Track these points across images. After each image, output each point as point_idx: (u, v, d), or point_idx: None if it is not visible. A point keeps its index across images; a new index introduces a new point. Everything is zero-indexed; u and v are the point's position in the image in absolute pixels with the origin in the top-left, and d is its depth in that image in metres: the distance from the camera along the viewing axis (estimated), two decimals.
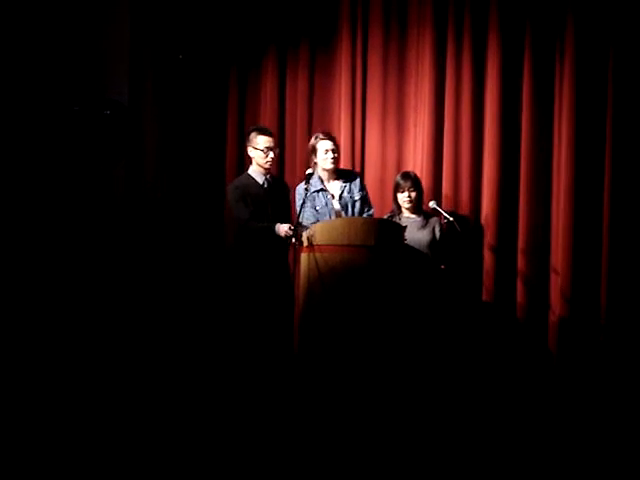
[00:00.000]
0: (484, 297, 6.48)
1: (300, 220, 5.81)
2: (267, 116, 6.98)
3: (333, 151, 6.08)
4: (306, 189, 5.89)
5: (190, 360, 6.26)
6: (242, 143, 6.81)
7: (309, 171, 6.00)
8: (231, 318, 6.30)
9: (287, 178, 6.79)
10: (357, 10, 6.79)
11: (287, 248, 5.96)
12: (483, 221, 6.54)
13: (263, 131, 6.16)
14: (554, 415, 5.49)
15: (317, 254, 5.52)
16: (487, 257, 6.50)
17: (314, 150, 6.10)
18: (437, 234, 6.10)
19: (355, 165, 6.79)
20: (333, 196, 6.10)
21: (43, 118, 6.17)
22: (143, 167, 6.62)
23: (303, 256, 5.61)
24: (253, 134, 6.14)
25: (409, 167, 6.63)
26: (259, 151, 6.10)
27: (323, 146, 6.07)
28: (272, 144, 6.13)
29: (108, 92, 6.43)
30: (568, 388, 6.12)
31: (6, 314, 6.06)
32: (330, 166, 6.09)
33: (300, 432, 4.93)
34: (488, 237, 6.50)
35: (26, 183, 6.12)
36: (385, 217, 6.17)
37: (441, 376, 5.85)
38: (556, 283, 6.44)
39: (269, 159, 6.12)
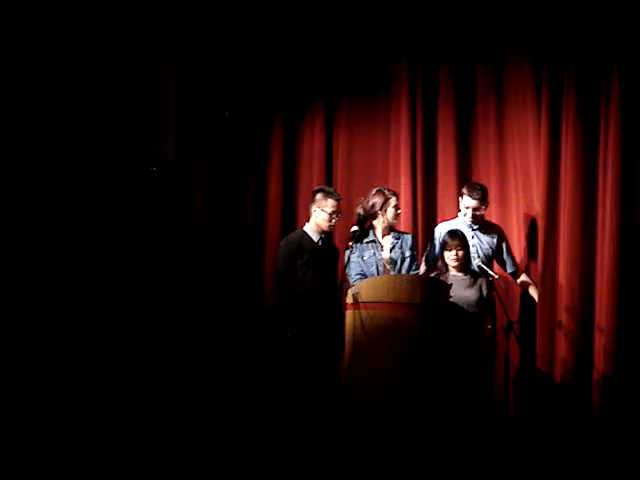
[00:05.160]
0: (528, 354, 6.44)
1: (346, 272, 5.89)
2: (310, 171, 7.06)
3: (399, 207, 6.25)
4: (351, 247, 5.92)
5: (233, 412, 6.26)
6: (287, 195, 7.01)
7: (354, 228, 6.05)
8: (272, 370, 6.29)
9: None
10: (404, 63, 6.91)
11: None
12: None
13: (332, 194, 6.11)
14: (597, 476, 5.45)
15: (362, 311, 5.51)
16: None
17: (385, 205, 6.17)
18: (484, 293, 6.07)
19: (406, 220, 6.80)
20: (382, 248, 6.16)
21: (90, 176, 6.21)
22: (191, 223, 6.64)
23: (348, 313, 5.62)
24: (321, 195, 6.10)
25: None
26: (325, 214, 6.06)
27: (393, 202, 6.20)
28: (338, 208, 6.12)
29: (155, 148, 6.48)
30: (611, 448, 6.03)
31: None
32: (397, 221, 6.24)
33: None
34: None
35: (73, 239, 6.15)
36: (432, 275, 6.17)
37: (485, 432, 5.80)
38: (600, 341, 6.36)
39: (333, 223, 6.11)
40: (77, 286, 6.10)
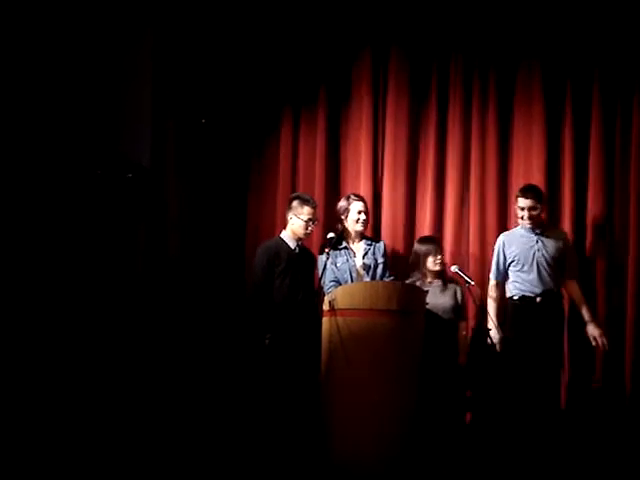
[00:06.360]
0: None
1: (322, 282, 5.84)
2: (283, 177, 7.01)
3: (365, 213, 6.17)
4: (327, 253, 5.89)
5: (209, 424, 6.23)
6: (260, 204, 6.98)
7: (330, 235, 6.03)
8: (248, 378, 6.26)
9: None
10: (369, 69, 6.89)
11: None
12: None
13: (308, 202, 6.09)
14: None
15: (339, 318, 5.49)
16: None
17: (346, 211, 6.16)
18: (459, 299, 6.07)
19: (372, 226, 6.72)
20: (355, 254, 6.15)
21: (66, 182, 6.19)
22: (166, 229, 6.62)
23: (325, 320, 5.61)
24: (297, 202, 6.09)
25: (425, 231, 6.66)
26: (301, 221, 6.05)
27: (355, 207, 6.16)
28: (314, 216, 6.11)
29: (130, 155, 6.45)
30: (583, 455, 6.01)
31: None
32: (361, 228, 6.18)
33: None
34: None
35: (48, 246, 6.12)
36: (407, 282, 6.12)
37: (458, 438, 5.83)
38: None
39: (309, 230, 6.11)
40: (53, 293, 6.06)
